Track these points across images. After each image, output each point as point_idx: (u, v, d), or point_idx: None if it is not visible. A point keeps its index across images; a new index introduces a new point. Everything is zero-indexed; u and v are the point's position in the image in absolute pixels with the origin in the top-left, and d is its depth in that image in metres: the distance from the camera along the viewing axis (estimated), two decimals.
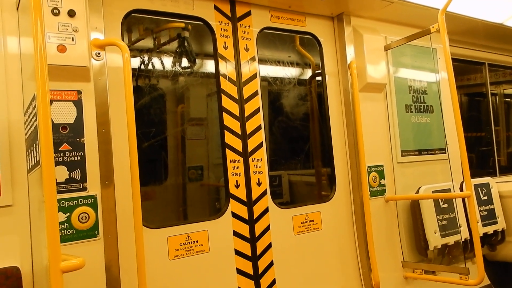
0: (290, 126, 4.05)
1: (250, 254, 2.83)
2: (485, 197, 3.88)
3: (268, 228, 2.93)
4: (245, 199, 2.87)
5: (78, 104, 2.20)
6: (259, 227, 2.89)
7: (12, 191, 2.18)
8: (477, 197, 3.80)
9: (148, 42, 3.50)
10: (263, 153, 2.98)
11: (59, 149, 2.11)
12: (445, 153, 3.81)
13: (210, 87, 3.62)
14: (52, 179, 1.47)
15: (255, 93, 3.01)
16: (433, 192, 3.47)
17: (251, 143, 2.94)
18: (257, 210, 2.90)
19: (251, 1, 3.06)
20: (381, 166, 3.44)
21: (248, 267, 2.81)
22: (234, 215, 2.81)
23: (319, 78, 3.58)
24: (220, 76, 2.90)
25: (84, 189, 2.17)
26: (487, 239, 3.91)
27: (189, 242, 2.61)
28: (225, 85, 2.91)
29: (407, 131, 3.66)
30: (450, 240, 3.45)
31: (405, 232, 3.49)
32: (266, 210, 2.94)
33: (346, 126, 3.40)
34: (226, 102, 2.89)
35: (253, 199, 2.90)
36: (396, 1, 3.31)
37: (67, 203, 2.11)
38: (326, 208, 3.24)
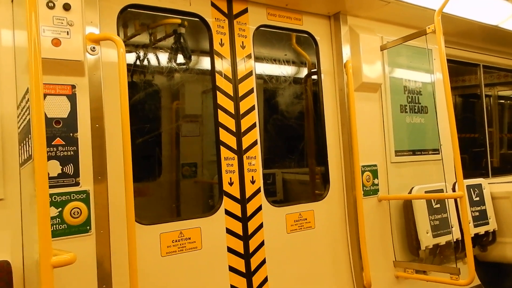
0: (285, 124, 4.05)
1: (242, 252, 2.83)
2: (477, 198, 3.91)
3: (261, 226, 2.93)
4: (238, 196, 2.87)
5: (72, 98, 2.18)
6: (252, 225, 2.89)
7: (4, 185, 2.16)
8: (469, 198, 3.83)
9: (143, 38, 3.48)
10: (257, 151, 2.98)
11: (52, 143, 2.10)
12: (439, 153, 3.82)
13: (205, 84, 3.61)
14: (44, 173, 1.46)
15: (251, 91, 3.01)
16: (426, 192, 3.49)
17: (246, 141, 2.94)
18: (251, 208, 2.90)
19: None
20: (375, 165, 3.45)
21: (240, 264, 2.81)
22: (227, 212, 2.81)
23: (314, 76, 3.58)
24: (216, 73, 2.89)
25: (77, 184, 2.16)
26: (478, 239, 3.94)
27: (181, 239, 2.60)
28: (220, 82, 2.90)
29: (401, 131, 3.67)
30: (442, 240, 3.47)
31: (397, 231, 3.51)
32: (259, 208, 2.94)
33: (341, 125, 3.41)
34: (222, 100, 2.89)
35: (247, 196, 2.90)
36: (392, 1, 3.32)
37: (59, 198, 2.10)
38: (319, 207, 3.25)
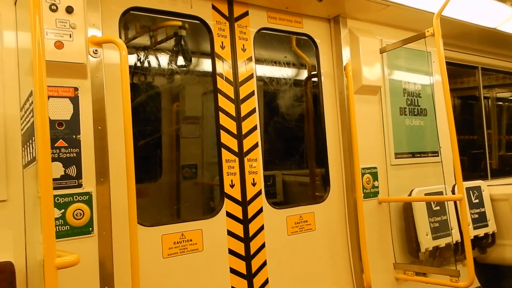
0: (285, 127, 4.07)
1: (243, 254, 2.84)
2: (477, 200, 3.92)
3: (262, 228, 2.94)
4: (239, 198, 2.88)
5: (75, 100, 2.20)
6: (253, 227, 2.90)
7: (7, 186, 2.18)
8: (469, 200, 3.84)
9: (144, 40, 3.50)
10: (258, 153, 2.99)
11: (55, 145, 2.11)
12: (438, 156, 3.84)
13: (206, 86, 3.62)
14: (49, 175, 1.47)
15: (252, 93, 3.03)
16: (425, 194, 3.50)
17: (247, 143, 2.95)
18: (252, 210, 2.91)
19: (249, 1, 3.07)
20: (375, 168, 3.46)
21: (241, 266, 2.82)
22: (229, 214, 2.82)
23: (315, 79, 3.60)
24: (217, 76, 2.91)
25: (79, 185, 2.17)
26: (478, 241, 3.96)
27: (183, 241, 2.61)
28: (221, 84, 2.91)
29: (401, 133, 3.69)
30: (442, 242, 3.48)
31: (397, 234, 3.52)
32: (260, 210, 2.95)
33: (341, 127, 3.43)
34: (223, 102, 2.90)
35: (248, 199, 2.91)
36: (392, 4, 3.34)
37: (62, 200, 2.11)
38: (319, 209, 3.26)
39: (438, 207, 3.54)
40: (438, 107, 3.85)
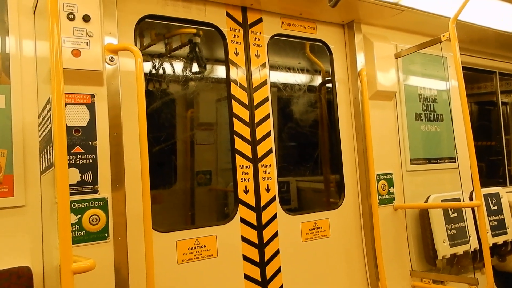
0: (299, 133, 4.06)
1: (258, 260, 2.83)
2: (495, 207, 3.85)
3: (276, 234, 2.93)
4: (253, 204, 2.87)
5: (91, 107, 2.23)
6: (267, 233, 2.89)
7: (25, 192, 2.21)
8: (487, 207, 3.77)
9: (159, 47, 3.54)
10: (272, 159, 2.99)
11: (72, 151, 2.14)
12: (455, 162, 3.79)
13: (219, 92, 3.64)
14: (65, 181, 1.49)
15: (265, 99, 3.03)
16: (442, 201, 3.45)
17: (261, 149, 2.95)
18: (266, 216, 2.91)
19: (263, 8, 3.09)
20: (390, 174, 3.43)
21: (256, 273, 2.81)
22: (243, 220, 2.82)
23: (329, 85, 3.59)
24: (231, 82, 2.92)
25: (95, 191, 2.19)
26: (497, 249, 3.88)
27: (197, 247, 2.62)
28: (235, 91, 2.93)
29: (416, 139, 3.65)
30: (459, 249, 3.42)
31: (413, 241, 3.47)
32: (274, 216, 2.94)
33: (356, 133, 3.40)
34: (237, 108, 2.91)
35: (262, 205, 2.91)
36: (407, 9, 3.32)
37: (79, 205, 2.13)
38: (334, 216, 3.23)
39: (455, 214, 3.48)
40: (454, 112, 3.80)
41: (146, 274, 2.11)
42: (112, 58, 2.33)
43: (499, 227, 3.80)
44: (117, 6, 2.43)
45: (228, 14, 2.97)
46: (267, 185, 2.94)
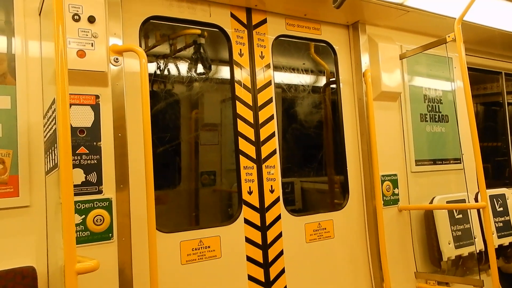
0: (303, 133, 4.05)
1: (261, 261, 2.83)
2: (501, 208, 3.83)
3: (280, 235, 2.93)
4: (257, 205, 2.87)
5: (96, 108, 2.24)
6: (271, 234, 2.89)
7: (30, 192, 2.22)
8: (493, 208, 3.75)
9: (164, 48, 3.55)
10: (276, 160, 2.99)
11: (76, 152, 2.15)
12: (460, 163, 3.77)
13: (224, 93, 3.65)
14: (70, 181, 1.49)
15: (270, 100, 3.03)
16: (447, 202, 3.44)
17: (265, 150, 2.95)
18: (270, 217, 2.90)
19: (267, 9, 3.09)
20: (395, 175, 3.41)
21: (259, 274, 2.81)
22: (247, 221, 2.82)
23: (333, 86, 3.58)
24: (235, 83, 2.92)
25: (100, 192, 2.20)
26: (503, 251, 3.85)
27: (201, 247, 2.62)
28: (240, 91, 2.93)
29: (421, 140, 3.63)
30: (465, 251, 3.40)
31: (418, 242, 3.45)
32: (278, 217, 2.94)
33: (360, 134, 3.40)
34: (241, 109, 2.91)
35: (266, 205, 2.90)
36: (412, 10, 3.30)
37: (83, 206, 2.14)
38: (338, 217, 3.23)
39: (460, 215, 3.47)
40: (460, 113, 3.78)
41: (150, 275, 2.11)
42: (117, 59, 2.34)
43: (504, 229, 3.77)
44: (122, 7, 2.44)
45: (232, 15, 2.98)
46: (271, 186, 2.94)
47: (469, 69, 3.26)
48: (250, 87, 2.97)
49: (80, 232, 2.12)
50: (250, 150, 2.90)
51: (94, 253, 2.12)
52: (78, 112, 2.18)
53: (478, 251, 3.46)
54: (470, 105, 2.99)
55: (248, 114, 2.94)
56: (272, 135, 3.00)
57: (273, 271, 2.86)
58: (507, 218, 3.83)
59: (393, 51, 3.48)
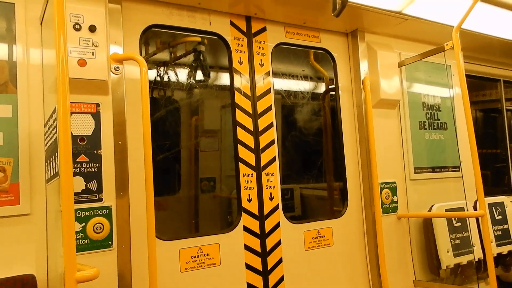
0: (303, 141, 4.06)
1: (261, 269, 2.83)
2: (500, 217, 3.83)
3: (279, 242, 2.93)
4: (257, 213, 2.88)
5: (96, 116, 2.25)
6: (270, 242, 2.89)
7: (31, 200, 2.23)
8: (491, 216, 3.75)
9: (164, 55, 3.56)
10: (276, 167, 2.99)
11: (77, 160, 2.16)
12: (459, 170, 3.77)
13: (224, 100, 3.66)
14: (70, 189, 1.50)
15: (269, 108, 3.04)
16: (446, 210, 3.44)
17: (264, 158, 2.96)
18: (269, 224, 2.91)
19: (267, 17, 3.11)
20: (394, 182, 3.42)
21: (258, 281, 2.81)
22: (246, 229, 2.83)
23: (332, 93, 3.60)
24: (235, 90, 2.94)
25: (100, 199, 2.21)
26: (501, 259, 3.85)
27: (200, 255, 2.63)
28: (239, 99, 2.94)
29: (420, 148, 3.64)
30: (463, 259, 3.40)
31: (417, 250, 3.46)
32: (277, 225, 2.95)
33: (359, 142, 3.41)
34: (240, 116, 2.93)
35: (265, 213, 2.91)
36: (410, 18, 3.33)
37: (83, 213, 2.15)
38: (337, 224, 3.23)
39: (459, 223, 3.47)
40: (458, 121, 3.80)
41: (149, 283, 2.11)
42: (117, 67, 2.36)
43: (503, 237, 3.77)
44: (122, 16, 2.46)
45: (232, 23, 3.00)
46: (271, 193, 2.95)
47: (468, 76, 3.28)
48: (249, 94, 2.99)
49: (80, 240, 2.13)
50: (250, 157, 2.91)
51: (94, 261, 2.12)
52: (79, 120, 2.19)
53: (477, 260, 3.46)
54: (469, 112, 3.00)
55: (248, 122, 2.95)
56: (272, 142, 3.01)
57: (272, 278, 2.86)
58: (506, 226, 3.83)
59: (392, 58, 3.50)
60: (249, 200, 2.86)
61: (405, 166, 3.54)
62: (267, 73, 3.09)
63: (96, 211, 2.19)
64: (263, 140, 2.98)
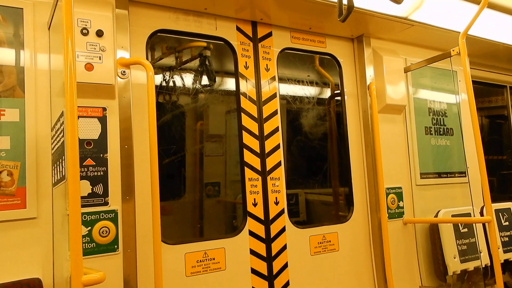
0: (308, 145, 4.06)
1: (266, 273, 2.82)
2: (507, 223, 3.80)
3: (284, 247, 2.92)
4: (262, 217, 2.87)
5: (103, 120, 2.26)
6: (275, 246, 2.89)
7: (37, 204, 2.24)
8: (498, 222, 3.73)
9: (170, 60, 3.58)
10: (281, 172, 2.99)
11: (83, 164, 2.16)
12: (465, 176, 3.75)
13: (229, 105, 3.67)
14: (77, 193, 1.50)
15: (275, 112, 3.05)
16: (452, 216, 3.42)
17: (270, 162, 2.96)
18: (274, 229, 2.90)
19: (272, 22, 3.12)
20: (400, 188, 3.41)
21: (264, 286, 2.80)
22: (251, 233, 2.82)
23: (338, 98, 3.60)
24: (241, 95, 2.95)
25: (106, 203, 2.21)
26: (509, 265, 3.82)
27: (206, 259, 2.62)
28: (245, 104, 2.95)
29: (426, 153, 3.63)
30: (470, 265, 3.38)
31: (423, 256, 3.43)
32: (283, 229, 2.94)
33: (365, 147, 3.40)
34: (246, 121, 2.93)
35: (271, 217, 2.90)
36: (416, 24, 3.33)
37: (89, 217, 2.15)
38: (343, 229, 3.22)
39: (466, 229, 3.45)
40: (465, 126, 3.78)
41: (155, 287, 2.11)
42: (124, 72, 2.37)
43: (510, 243, 3.74)
44: (129, 21, 2.48)
45: (238, 29, 3.01)
46: (276, 198, 2.94)
47: (474, 82, 3.27)
48: (255, 99, 3.00)
49: (86, 244, 2.13)
50: (255, 162, 2.91)
51: (100, 265, 2.12)
52: (86, 124, 2.20)
53: (483, 266, 3.43)
54: (475, 118, 2.99)
55: (253, 126, 2.95)
56: (277, 147, 3.01)
57: (278, 283, 2.85)
58: None
59: (397, 64, 3.50)
60: (255, 205, 2.86)
61: (411, 172, 3.52)
62: (273, 78, 3.09)
63: (102, 215, 2.19)
64: (269, 145, 2.98)
